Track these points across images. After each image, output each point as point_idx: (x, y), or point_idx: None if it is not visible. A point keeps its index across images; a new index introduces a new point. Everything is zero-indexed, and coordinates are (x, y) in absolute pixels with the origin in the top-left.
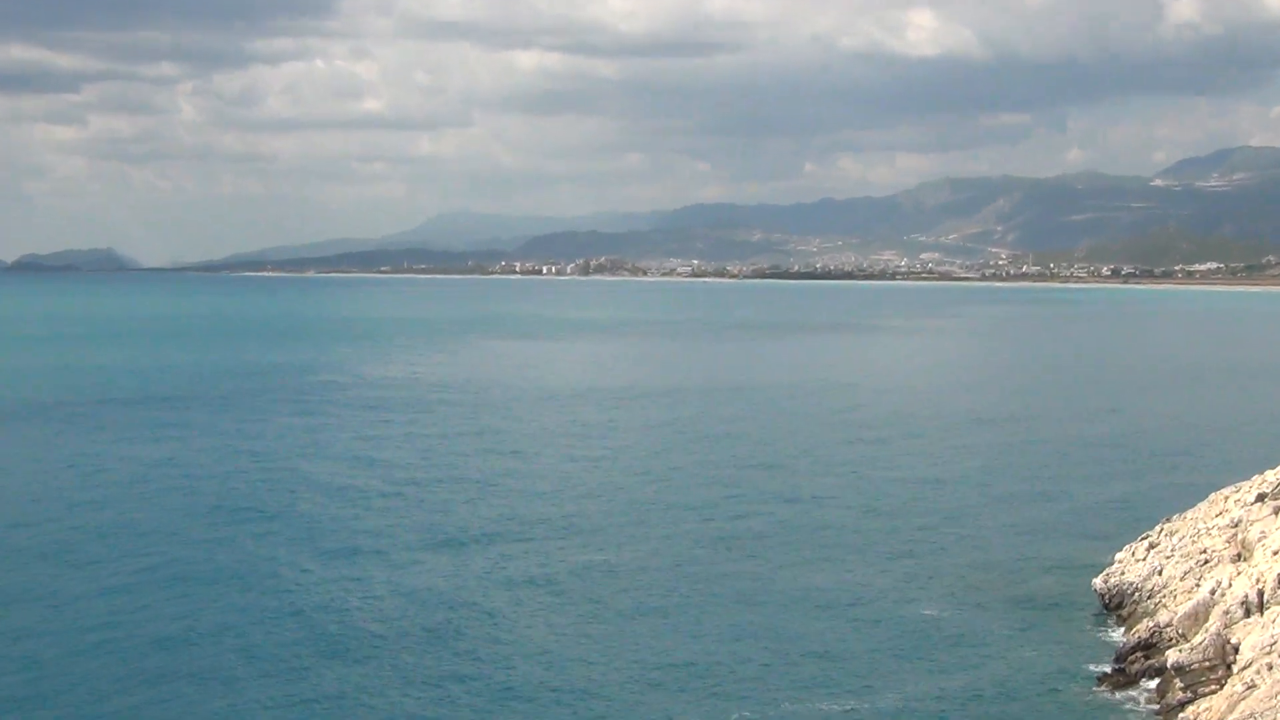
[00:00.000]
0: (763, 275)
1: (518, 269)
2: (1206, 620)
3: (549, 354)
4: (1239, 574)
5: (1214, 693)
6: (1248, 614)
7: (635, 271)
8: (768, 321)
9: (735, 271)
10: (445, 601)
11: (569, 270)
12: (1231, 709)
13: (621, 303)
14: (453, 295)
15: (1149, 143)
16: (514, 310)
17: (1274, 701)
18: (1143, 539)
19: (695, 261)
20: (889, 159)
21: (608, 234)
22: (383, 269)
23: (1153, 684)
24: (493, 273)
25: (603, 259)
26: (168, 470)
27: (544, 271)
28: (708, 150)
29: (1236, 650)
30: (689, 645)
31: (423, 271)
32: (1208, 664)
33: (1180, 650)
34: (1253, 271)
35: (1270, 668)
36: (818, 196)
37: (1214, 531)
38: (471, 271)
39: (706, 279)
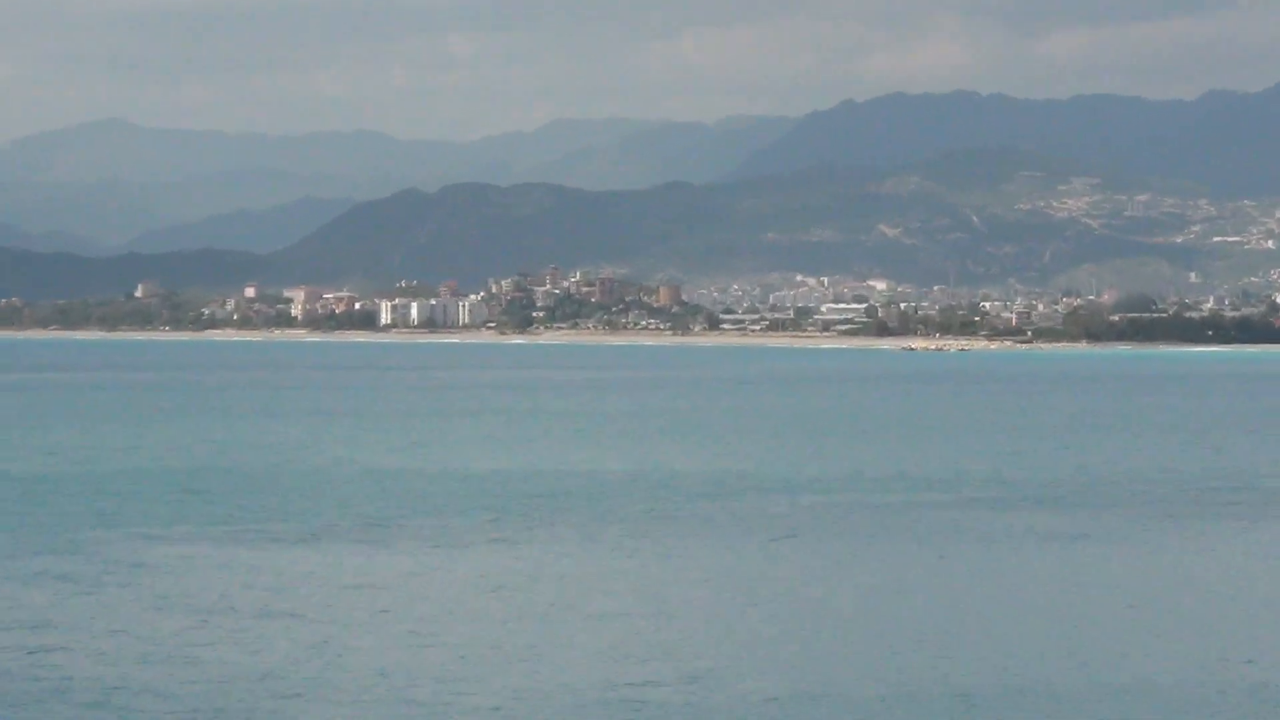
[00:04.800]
0: (1050, 334)
1: (298, 309)
2: None
3: (377, 592)
4: None
5: None
6: None
7: (635, 322)
8: (1112, 495)
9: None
10: None
11: (466, 306)
12: None
13: (606, 422)
14: (88, 395)
15: None
16: (276, 438)
17: None
18: None
19: (822, 280)
20: None
21: (556, 190)
22: None
23: None
24: (217, 325)
25: (510, 282)
26: None
27: (337, 308)
28: None
29: None
30: None
31: None
32: None
33: None
34: None
35: None
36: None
37: None
38: (145, 320)
39: (848, 339)
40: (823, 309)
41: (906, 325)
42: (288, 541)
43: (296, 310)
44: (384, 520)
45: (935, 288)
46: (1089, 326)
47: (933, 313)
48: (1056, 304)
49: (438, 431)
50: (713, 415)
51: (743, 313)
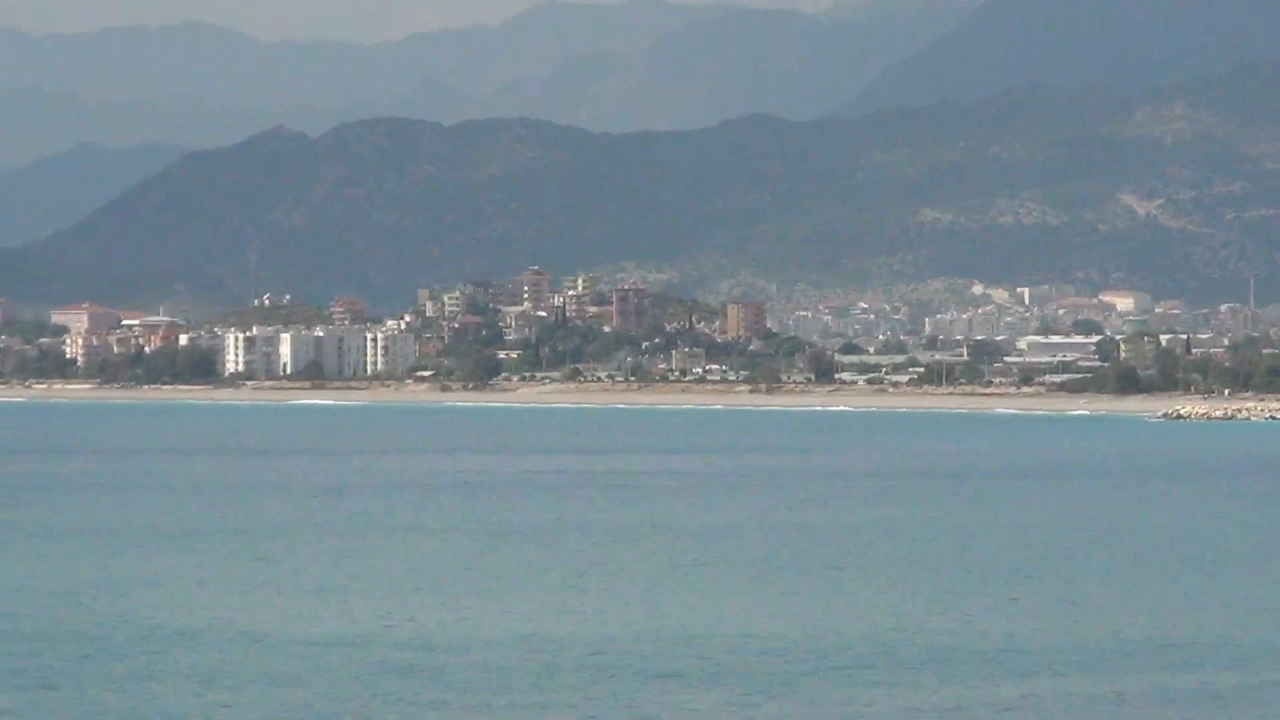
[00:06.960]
0: None
1: (75, 345)
2: None
3: None
4: None
5: None
6: None
7: (685, 367)
8: None
9: None
10: None
11: (378, 341)
12: None
13: (674, 547)
14: None
15: None
16: (63, 577)
17: None
18: None
19: (1019, 293)
20: None
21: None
22: None
23: None
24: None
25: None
26: None
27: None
28: None
29: None
30: None
31: None
32: None
33: None
34: None
35: None
36: None
37: None
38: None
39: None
40: (1020, 344)
41: (1170, 374)
42: None
43: (73, 348)
44: None
45: (1222, 307)
46: None
47: (1218, 350)
48: None
49: (364, 566)
50: (837, 535)
51: (877, 351)
